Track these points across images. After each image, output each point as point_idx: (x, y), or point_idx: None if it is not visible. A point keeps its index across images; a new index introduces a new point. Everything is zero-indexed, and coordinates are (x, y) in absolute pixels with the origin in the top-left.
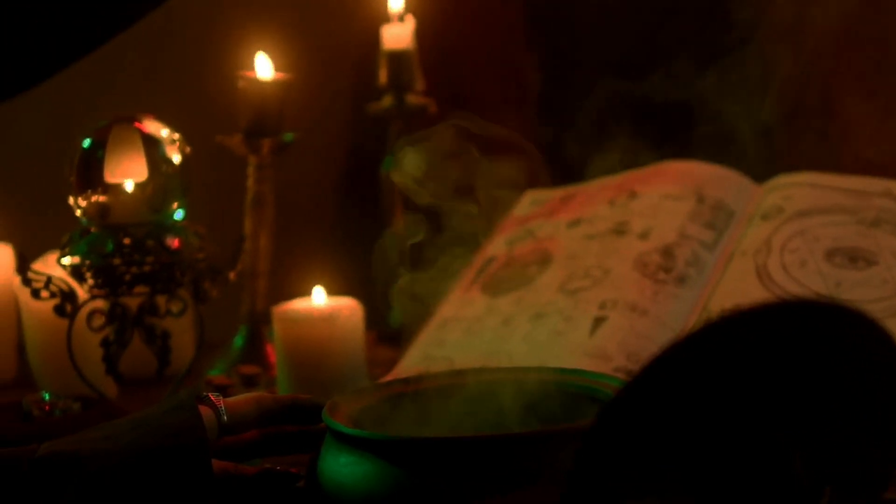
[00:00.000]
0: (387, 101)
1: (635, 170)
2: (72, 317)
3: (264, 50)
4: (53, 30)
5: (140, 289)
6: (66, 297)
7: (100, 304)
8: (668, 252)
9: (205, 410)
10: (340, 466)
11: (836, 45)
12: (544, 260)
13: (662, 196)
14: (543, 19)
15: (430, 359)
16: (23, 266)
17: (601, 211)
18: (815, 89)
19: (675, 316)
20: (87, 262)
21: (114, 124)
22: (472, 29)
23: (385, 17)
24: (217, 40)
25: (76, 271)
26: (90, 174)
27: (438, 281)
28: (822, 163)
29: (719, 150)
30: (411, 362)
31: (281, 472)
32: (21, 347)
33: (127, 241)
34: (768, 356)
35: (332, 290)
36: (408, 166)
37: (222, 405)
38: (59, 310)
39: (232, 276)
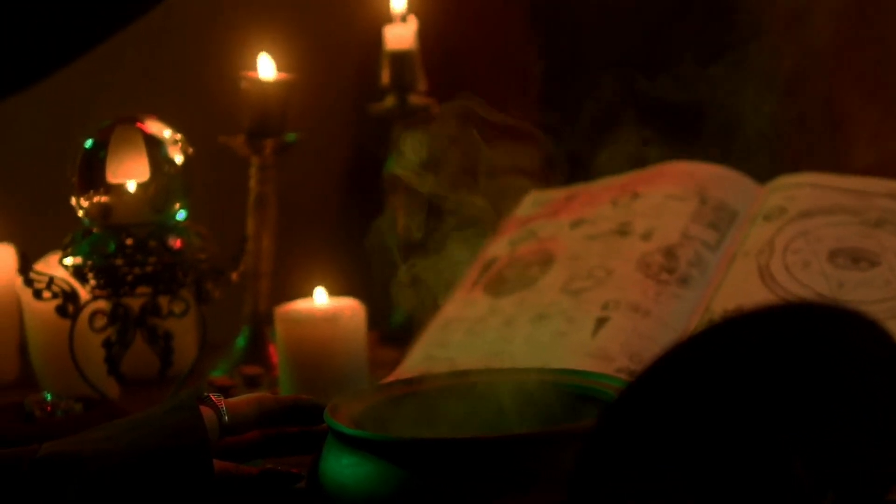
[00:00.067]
0: (389, 101)
1: (638, 170)
2: (74, 317)
3: (267, 50)
4: (53, 27)
5: (142, 289)
6: (69, 298)
7: (102, 304)
8: (670, 253)
9: (206, 411)
10: (342, 467)
11: (838, 46)
12: (547, 260)
13: (665, 196)
14: (546, 19)
15: (432, 359)
16: (25, 266)
17: (604, 211)
18: (817, 90)
19: (677, 316)
20: (90, 262)
21: (116, 125)
22: (474, 29)
23: (387, 18)
24: (219, 40)
25: (78, 272)
26: (92, 174)
27: (441, 269)
28: (824, 163)
29: (722, 150)
30: (413, 363)
31: (282, 472)
32: (23, 348)
33: (129, 241)
34: (770, 358)
35: (335, 291)
36: (410, 152)
37: (223, 406)
38: (61, 310)
39: (234, 276)
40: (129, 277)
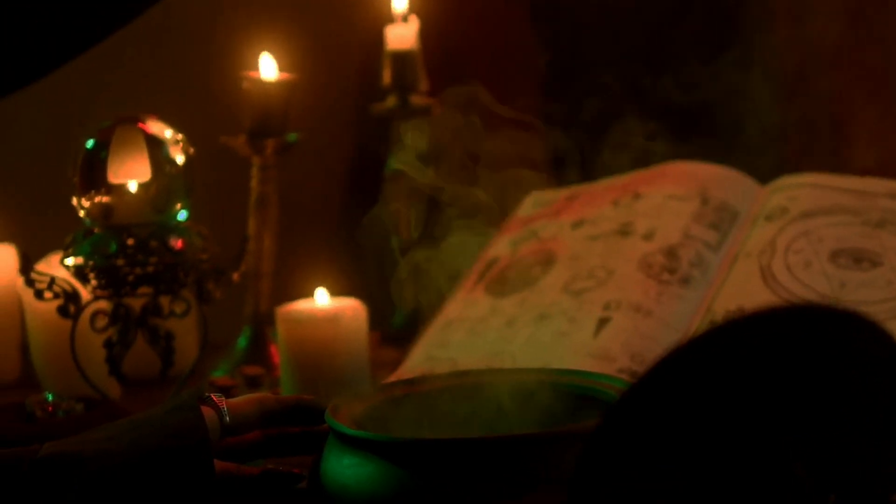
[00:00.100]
0: (390, 101)
1: (639, 170)
2: (75, 317)
3: (268, 50)
4: (51, 25)
5: (143, 289)
6: (70, 298)
7: (103, 304)
8: (672, 253)
9: (207, 411)
10: (343, 468)
11: (839, 46)
12: (548, 261)
13: (666, 197)
14: (548, 19)
15: (433, 360)
16: (26, 267)
17: (605, 212)
18: (819, 90)
19: (679, 317)
20: (91, 262)
21: (117, 125)
22: (476, 29)
23: (389, 18)
24: (221, 40)
25: (79, 272)
26: (93, 175)
27: (443, 261)
28: (826, 163)
29: (724, 150)
30: (414, 363)
31: (283, 472)
32: (24, 348)
33: (130, 241)
34: (772, 360)
35: (336, 291)
36: (411, 141)
37: (225, 406)
38: (62, 310)
39: (235, 276)
40: (131, 277)
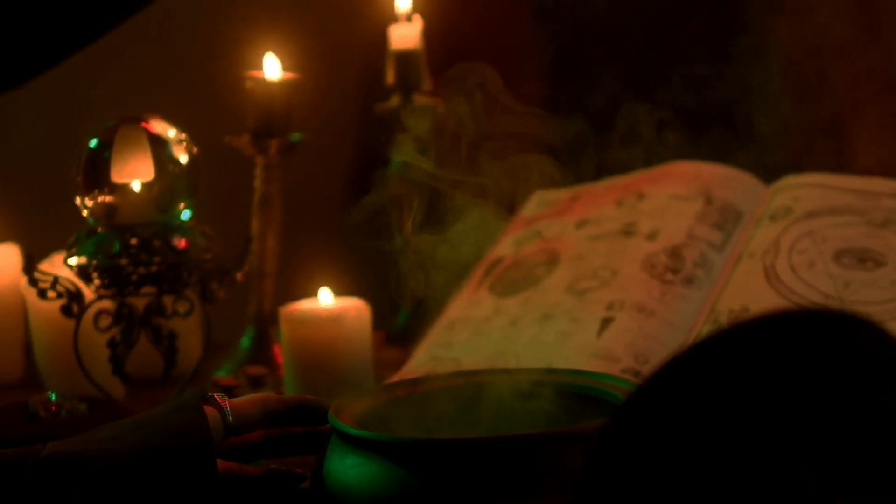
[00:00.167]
0: (394, 101)
1: (643, 170)
2: (78, 317)
3: (272, 50)
4: (50, 21)
5: (147, 289)
6: (73, 298)
7: (106, 304)
8: (675, 253)
9: (210, 411)
10: (346, 468)
11: (842, 46)
12: (552, 260)
13: (670, 197)
14: (552, 19)
15: (437, 360)
16: (29, 266)
17: (609, 211)
18: (821, 90)
19: (682, 317)
20: (94, 262)
21: (121, 124)
22: (479, 29)
23: (392, 17)
24: (224, 40)
25: (83, 271)
26: (97, 174)
27: (448, 249)
28: (829, 163)
29: (728, 149)
30: (418, 363)
31: (286, 472)
32: (28, 348)
33: (134, 241)
34: (779, 363)
35: (340, 291)
36: (414, 127)
37: (228, 406)
38: (65, 310)
39: (239, 276)
40: (134, 277)
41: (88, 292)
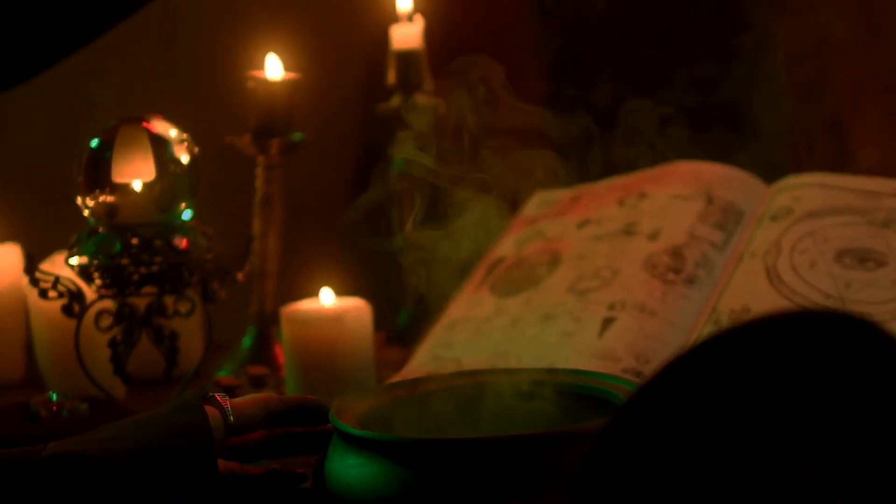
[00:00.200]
0: (395, 100)
1: (644, 170)
2: (80, 317)
3: (273, 50)
4: (51, 20)
5: (148, 289)
6: (74, 298)
7: (108, 304)
8: (677, 253)
9: (211, 411)
10: (347, 468)
11: (843, 46)
12: (553, 260)
13: (672, 196)
14: (553, 19)
15: (438, 360)
16: (31, 266)
17: (610, 211)
18: (822, 90)
19: (684, 317)
20: (95, 262)
21: (122, 124)
22: (481, 28)
23: (394, 17)
24: (226, 40)
25: (84, 271)
26: (98, 174)
27: (450, 243)
28: (830, 163)
29: (729, 149)
30: (420, 363)
31: (287, 472)
32: (29, 348)
33: (135, 241)
34: (781, 365)
35: (341, 291)
36: (416, 125)
37: (229, 406)
38: (66, 310)
39: (240, 276)
40: (135, 277)
41: (89, 292)
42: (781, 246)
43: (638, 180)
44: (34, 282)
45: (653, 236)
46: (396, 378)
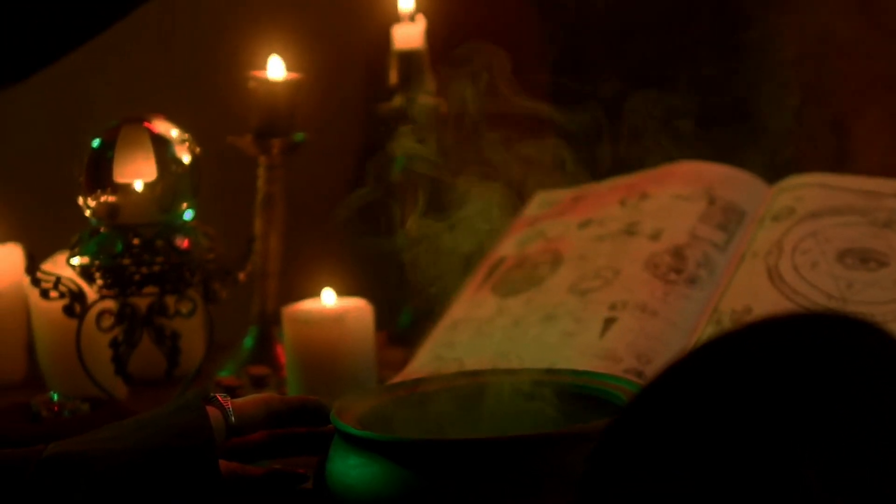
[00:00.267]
0: (397, 101)
1: (646, 170)
2: (81, 317)
3: (275, 50)
4: (50, 16)
5: (149, 289)
6: (76, 298)
7: (109, 304)
8: (678, 253)
9: (212, 411)
10: (349, 468)
11: (849, 46)
12: (555, 260)
13: (673, 197)
14: (556, 19)
15: (440, 360)
16: (32, 266)
17: (612, 211)
18: (827, 90)
19: (685, 317)
20: (97, 262)
21: (123, 124)
22: (483, 28)
23: (395, 17)
24: (227, 40)
25: (85, 271)
26: (99, 174)
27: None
28: (831, 164)
29: (731, 149)
30: (421, 364)
31: (288, 472)
32: (30, 348)
33: (136, 241)
34: (784, 367)
35: (342, 291)
36: (419, 115)
37: (230, 406)
38: (68, 310)
39: (242, 276)
40: (137, 277)
41: (91, 292)
42: (783, 246)
43: (639, 180)
44: (35, 282)
45: (654, 236)
46: (398, 378)
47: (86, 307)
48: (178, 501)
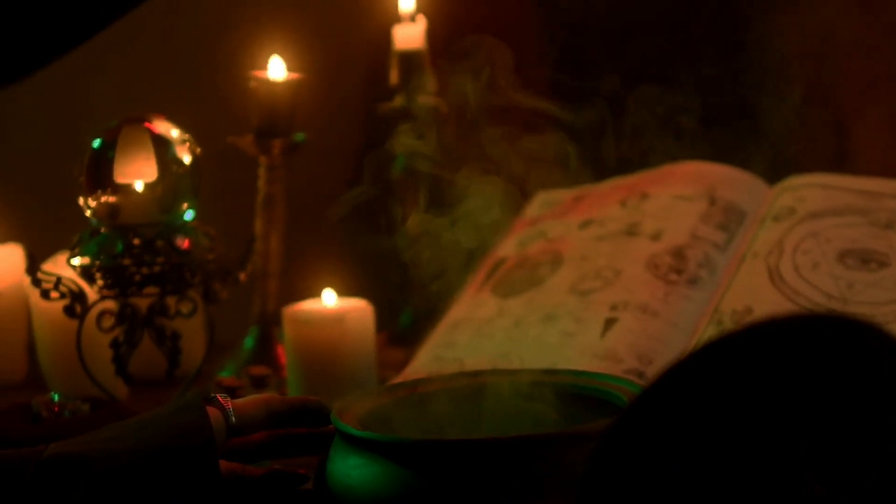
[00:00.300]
0: (398, 101)
1: (647, 170)
2: (81, 317)
3: (275, 50)
4: (50, 14)
5: (150, 289)
6: (76, 298)
7: (109, 304)
8: (679, 253)
9: (213, 412)
10: (349, 469)
11: (849, 45)
12: (555, 261)
13: (674, 197)
14: (557, 19)
15: (440, 360)
16: (33, 266)
17: (613, 212)
18: (828, 90)
19: (686, 317)
20: (97, 262)
21: (124, 124)
22: (484, 29)
23: (396, 17)
24: (228, 40)
25: (86, 272)
26: (100, 174)
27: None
28: (834, 164)
29: (731, 150)
30: (421, 364)
31: (288, 473)
32: (31, 348)
33: (137, 241)
34: (787, 369)
35: (343, 291)
36: (420, 115)
37: (230, 406)
38: (68, 310)
39: (242, 276)
40: (137, 277)
41: (91, 293)
42: (784, 246)
43: (640, 181)
44: (36, 282)
45: (655, 237)
46: (398, 379)
47: (86, 307)
48: (179, 502)
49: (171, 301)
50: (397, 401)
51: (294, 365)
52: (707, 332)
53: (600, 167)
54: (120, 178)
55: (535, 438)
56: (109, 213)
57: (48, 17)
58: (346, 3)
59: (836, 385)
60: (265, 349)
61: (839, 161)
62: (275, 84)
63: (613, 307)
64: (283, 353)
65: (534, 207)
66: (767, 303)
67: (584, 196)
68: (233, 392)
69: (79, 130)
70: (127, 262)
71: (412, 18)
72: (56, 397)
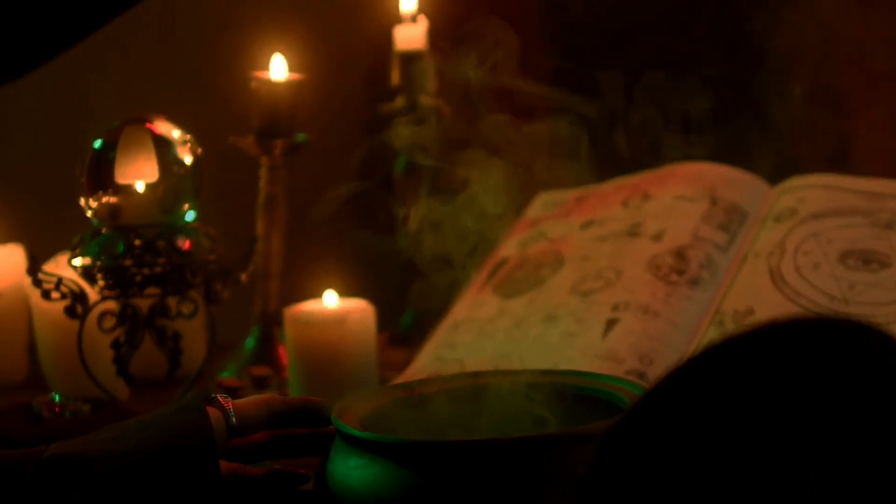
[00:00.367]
0: (399, 101)
1: (648, 171)
2: (82, 318)
3: (277, 50)
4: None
5: (151, 290)
6: (77, 299)
7: (111, 305)
8: (681, 254)
9: (213, 412)
10: (350, 469)
11: (850, 46)
12: (557, 261)
13: (676, 198)
14: (559, 19)
15: (441, 361)
16: (33, 267)
17: (614, 212)
18: (829, 90)
19: (687, 318)
20: (98, 263)
21: (125, 125)
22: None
23: (397, 18)
24: (229, 40)
25: (87, 272)
26: (101, 175)
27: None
28: (835, 164)
29: (733, 150)
30: (423, 364)
31: (289, 473)
32: (32, 349)
33: (138, 242)
34: (788, 372)
35: (344, 292)
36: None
37: (231, 407)
38: (69, 311)
39: (243, 277)
40: (138, 278)
41: (92, 293)
42: (785, 247)
43: (642, 181)
44: (37, 283)
45: (656, 237)
46: (399, 379)
47: (87, 308)
48: (179, 502)
49: (172, 302)
50: (398, 401)
51: (295, 365)
52: (708, 333)
53: (601, 161)
54: (121, 178)
55: (536, 439)
56: (110, 213)
57: (46, 15)
58: (348, 4)
59: (838, 388)
60: (266, 350)
61: (841, 161)
62: (276, 84)
63: (615, 308)
64: (285, 354)
65: (535, 208)
66: (769, 303)
67: (585, 197)
68: (234, 392)
69: (79, 130)
70: (128, 262)
71: (413, 19)
72: (57, 398)
